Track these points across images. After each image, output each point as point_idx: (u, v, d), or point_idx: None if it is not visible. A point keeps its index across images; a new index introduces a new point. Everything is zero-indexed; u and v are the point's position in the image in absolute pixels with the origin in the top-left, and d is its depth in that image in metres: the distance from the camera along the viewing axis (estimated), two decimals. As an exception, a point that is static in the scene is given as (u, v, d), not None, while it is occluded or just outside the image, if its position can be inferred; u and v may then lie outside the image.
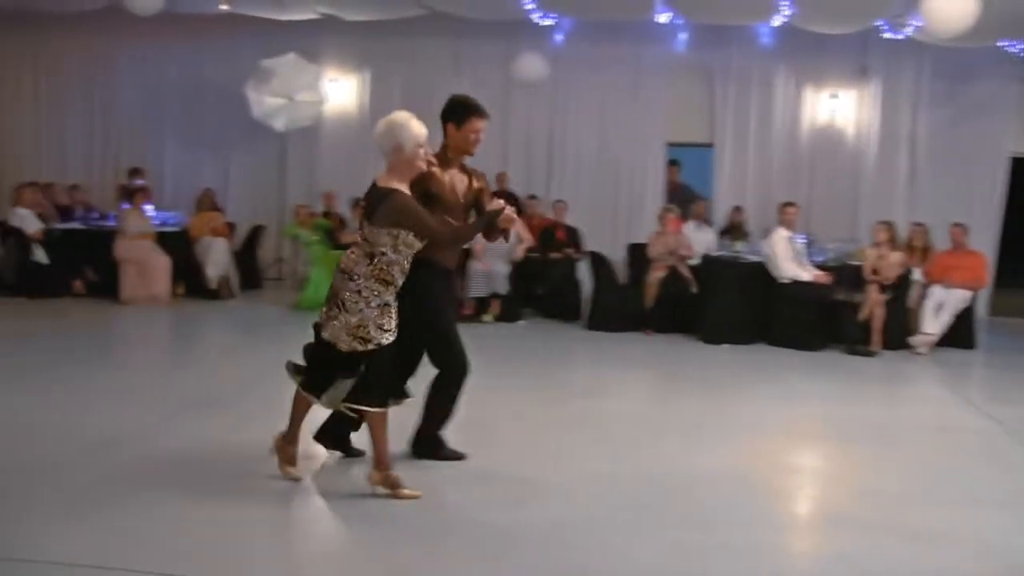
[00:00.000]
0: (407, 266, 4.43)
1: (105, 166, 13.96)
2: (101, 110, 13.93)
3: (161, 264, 10.85)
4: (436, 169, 4.74)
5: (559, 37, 12.63)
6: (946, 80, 12.33)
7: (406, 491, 4.47)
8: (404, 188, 4.41)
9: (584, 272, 10.97)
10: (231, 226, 12.43)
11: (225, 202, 13.34)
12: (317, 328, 4.51)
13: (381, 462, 4.48)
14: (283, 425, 4.70)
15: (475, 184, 4.95)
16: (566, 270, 10.77)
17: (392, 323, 4.41)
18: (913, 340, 9.47)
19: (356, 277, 4.35)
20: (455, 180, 4.87)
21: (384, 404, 4.44)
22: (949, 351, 9.58)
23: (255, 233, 12.82)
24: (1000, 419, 6.78)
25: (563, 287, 10.70)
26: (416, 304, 4.63)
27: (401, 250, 4.36)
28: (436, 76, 13.06)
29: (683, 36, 12.55)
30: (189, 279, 11.41)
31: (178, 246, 11.33)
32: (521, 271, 10.59)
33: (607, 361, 8.79)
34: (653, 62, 12.80)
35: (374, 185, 4.47)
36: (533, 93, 12.84)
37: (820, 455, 5.91)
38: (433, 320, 4.82)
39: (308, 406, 4.63)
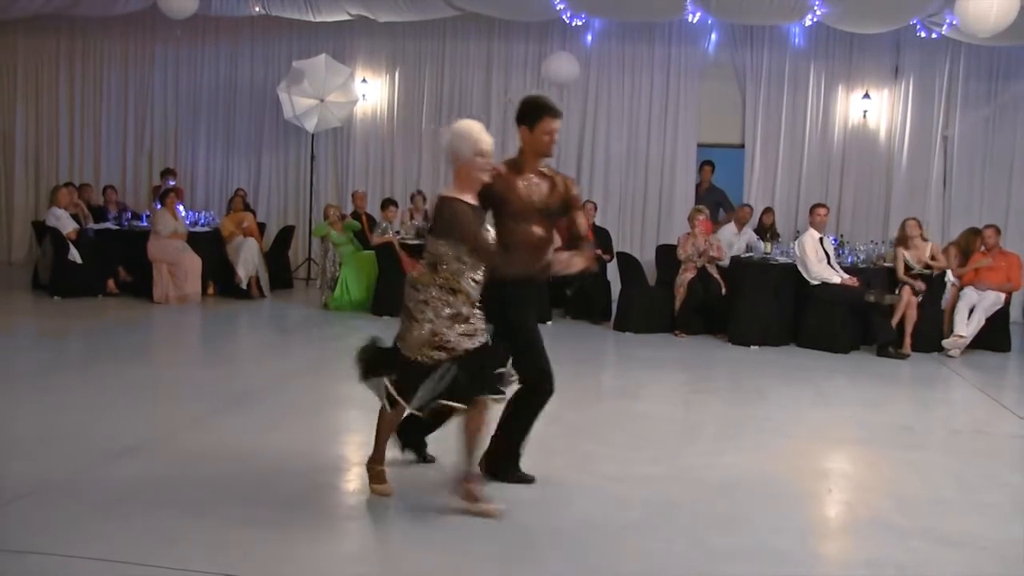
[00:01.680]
0: (480, 275, 4.29)
1: (139, 167, 14.17)
2: (135, 112, 14.12)
3: (193, 264, 10.97)
4: (506, 174, 4.54)
5: (589, 38, 12.63)
6: (981, 79, 12.19)
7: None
8: (464, 197, 4.28)
9: (613, 273, 10.96)
10: (262, 226, 12.54)
11: (256, 202, 13.49)
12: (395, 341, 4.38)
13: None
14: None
15: (559, 191, 4.63)
16: (595, 271, 10.72)
17: (476, 328, 4.28)
18: (946, 343, 9.37)
19: (421, 287, 4.26)
20: (531, 186, 4.58)
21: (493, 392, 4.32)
22: (983, 354, 9.47)
23: (285, 233, 12.92)
24: (1035, 424, 6.70)
25: (592, 288, 10.68)
26: (496, 316, 4.43)
27: (465, 260, 4.22)
28: (467, 77, 13.14)
29: (714, 36, 12.50)
30: (220, 279, 11.55)
31: (210, 246, 11.48)
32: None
33: (636, 362, 8.76)
34: (684, 63, 12.75)
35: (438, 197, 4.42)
36: (564, 94, 12.82)
37: (851, 458, 5.86)
38: (514, 332, 4.52)
39: (393, 421, 4.56)
